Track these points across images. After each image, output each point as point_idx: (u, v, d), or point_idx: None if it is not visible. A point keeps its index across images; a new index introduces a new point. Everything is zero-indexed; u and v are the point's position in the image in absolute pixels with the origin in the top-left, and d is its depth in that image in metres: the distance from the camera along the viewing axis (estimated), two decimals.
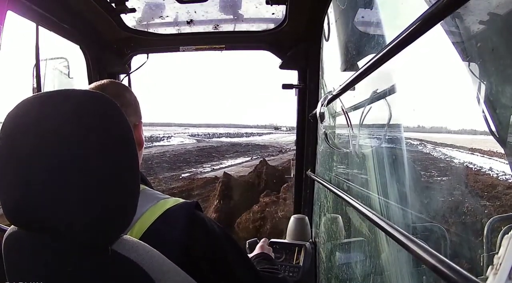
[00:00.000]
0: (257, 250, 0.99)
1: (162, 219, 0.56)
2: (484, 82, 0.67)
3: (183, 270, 0.53)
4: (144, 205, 0.57)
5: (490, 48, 0.64)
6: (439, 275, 0.35)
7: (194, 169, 13.48)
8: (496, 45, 0.63)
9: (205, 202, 7.63)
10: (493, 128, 0.70)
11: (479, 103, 0.68)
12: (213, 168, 13.58)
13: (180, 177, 11.53)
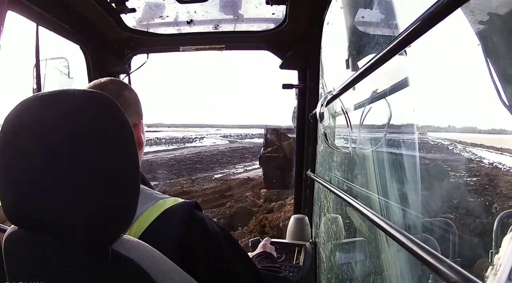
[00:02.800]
0: (259, 249, 1.01)
1: (161, 219, 0.56)
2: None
3: (183, 269, 0.53)
4: (143, 205, 0.56)
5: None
6: (439, 275, 0.35)
7: (227, 170, 13.40)
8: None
9: (238, 202, 7.55)
10: None
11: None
12: (246, 169, 13.44)
13: (213, 178, 11.44)
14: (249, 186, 8.94)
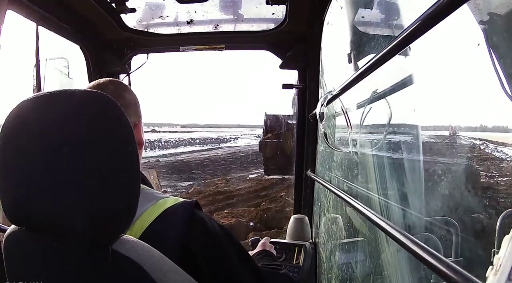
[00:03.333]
0: (258, 248, 1.02)
1: (161, 218, 0.56)
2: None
3: (183, 269, 0.54)
4: (144, 205, 0.57)
5: None
6: (439, 275, 0.35)
7: (261, 170, 13.30)
8: None
9: (272, 202, 7.52)
10: None
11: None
12: None
13: (248, 178, 11.50)
14: (284, 186, 8.90)
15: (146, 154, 17.14)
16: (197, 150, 20.21)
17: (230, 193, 8.58)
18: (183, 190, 9.57)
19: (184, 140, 24.64)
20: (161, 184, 9.71)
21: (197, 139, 26.34)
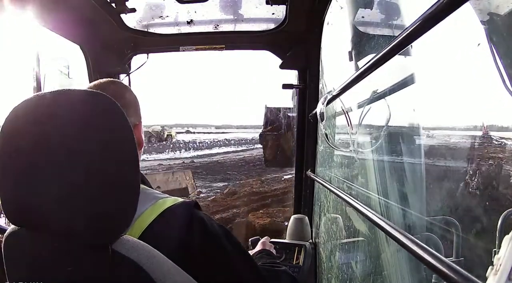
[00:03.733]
0: (258, 247, 1.02)
1: (161, 218, 0.56)
2: None
3: (183, 269, 0.54)
4: (143, 205, 0.56)
5: None
6: (439, 275, 0.35)
7: None
8: None
9: None
10: None
11: None
12: None
13: (283, 178, 11.24)
14: None
15: (180, 155, 17.12)
16: (232, 151, 20.14)
17: (265, 193, 8.53)
18: (218, 190, 9.52)
19: (218, 141, 24.54)
20: (196, 184, 9.74)
21: (231, 139, 26.10)
